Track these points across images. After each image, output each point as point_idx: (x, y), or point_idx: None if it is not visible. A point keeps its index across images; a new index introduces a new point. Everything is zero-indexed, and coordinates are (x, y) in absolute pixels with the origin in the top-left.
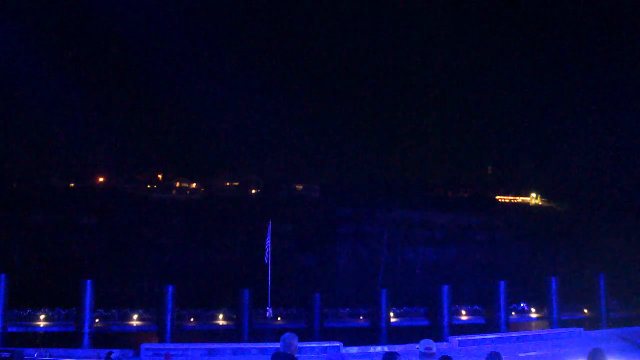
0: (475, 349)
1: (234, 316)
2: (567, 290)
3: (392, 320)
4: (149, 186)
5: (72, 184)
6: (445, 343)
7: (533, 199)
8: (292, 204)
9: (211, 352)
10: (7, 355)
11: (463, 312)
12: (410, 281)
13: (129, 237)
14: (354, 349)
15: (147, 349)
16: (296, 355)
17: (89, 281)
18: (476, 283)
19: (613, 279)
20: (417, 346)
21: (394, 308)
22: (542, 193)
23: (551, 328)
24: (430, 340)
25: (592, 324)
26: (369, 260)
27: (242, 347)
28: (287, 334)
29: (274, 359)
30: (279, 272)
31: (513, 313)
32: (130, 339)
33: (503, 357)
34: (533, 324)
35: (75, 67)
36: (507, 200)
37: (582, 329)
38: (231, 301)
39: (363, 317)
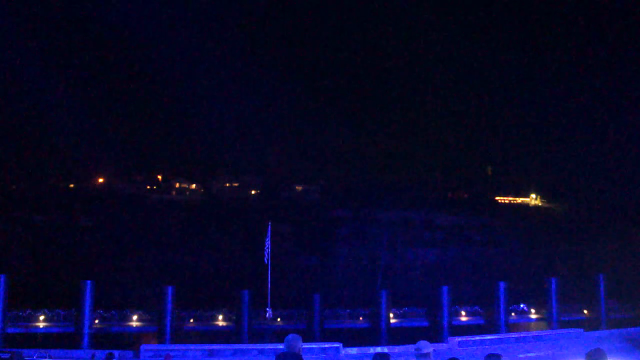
0: (474, 349)
1: (234, 317)
2: (566, 291)
3: (392, 321)
4: (148, 187)
5: (71, 185)
6: (444, 344)
7: (533, 199)
8: (292, 204)
9: (211, 353)
10: (7, 356)
11: (463, 312)
12: (410, 282)
13: (128, 238)
14: (353, 350)
15: (147, 350)
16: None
17: (88, 282)
18: (476, 284)
19: (612, 279)
20: (414, 348)
21: (393, 309)
22: (541, 194)
23: (551, 329)
24: (424, 342)
25: (591, 324)
26: (369, 261)
27: (242, 348)
28: (291, 335)
29: (279, 359)
30: (278, 273)
31: (513, 314)
32: (130, 340)
33: (503, 358)
34: (533, 324)
35: (75, 68)
36: (506, 201)
37: (581, 330)
38: (231, 302)
39: (363, 318)
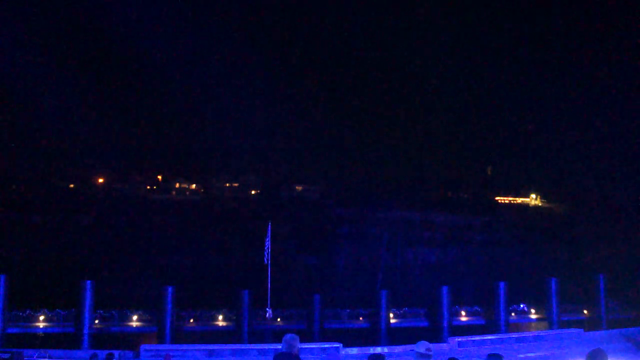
0: (474, 349)
1: (234, 317)
2: (566, 291)
3: (392, 321)
4: (148, 187)
5: (71, 185)
6: (444, 344)
7: (533, 199)
8: (292, 204)
9: (211, 353)
10: (7, 357)
11: (463, 312)
12: (410, 282)
13: (128, 238)
14: (353, 350)
15: (147, 350)
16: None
17: (88, 282)
18: (476, 284)
19: (612, 279)
20: (414, 348)
21: (393, 309)
22: (541, 194)
23: (551, 329)
24: (427, 342)
25: (591, 324)
26: (369, 261)
27: (241, 348)
28: (289, 335)
29: (277, 359)
30: (278, 273)
31: (513, 314)
32: (130, 340)
33: (504, 358)
34: (533, 324)
35: (74, 67)
36: (506, 201)
37: (581, 330)
38: (231, 302)
39: (363, 318)
